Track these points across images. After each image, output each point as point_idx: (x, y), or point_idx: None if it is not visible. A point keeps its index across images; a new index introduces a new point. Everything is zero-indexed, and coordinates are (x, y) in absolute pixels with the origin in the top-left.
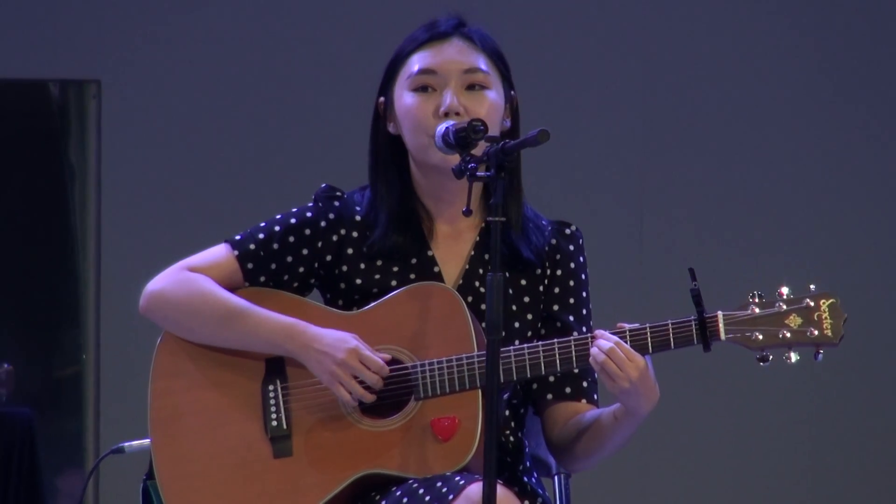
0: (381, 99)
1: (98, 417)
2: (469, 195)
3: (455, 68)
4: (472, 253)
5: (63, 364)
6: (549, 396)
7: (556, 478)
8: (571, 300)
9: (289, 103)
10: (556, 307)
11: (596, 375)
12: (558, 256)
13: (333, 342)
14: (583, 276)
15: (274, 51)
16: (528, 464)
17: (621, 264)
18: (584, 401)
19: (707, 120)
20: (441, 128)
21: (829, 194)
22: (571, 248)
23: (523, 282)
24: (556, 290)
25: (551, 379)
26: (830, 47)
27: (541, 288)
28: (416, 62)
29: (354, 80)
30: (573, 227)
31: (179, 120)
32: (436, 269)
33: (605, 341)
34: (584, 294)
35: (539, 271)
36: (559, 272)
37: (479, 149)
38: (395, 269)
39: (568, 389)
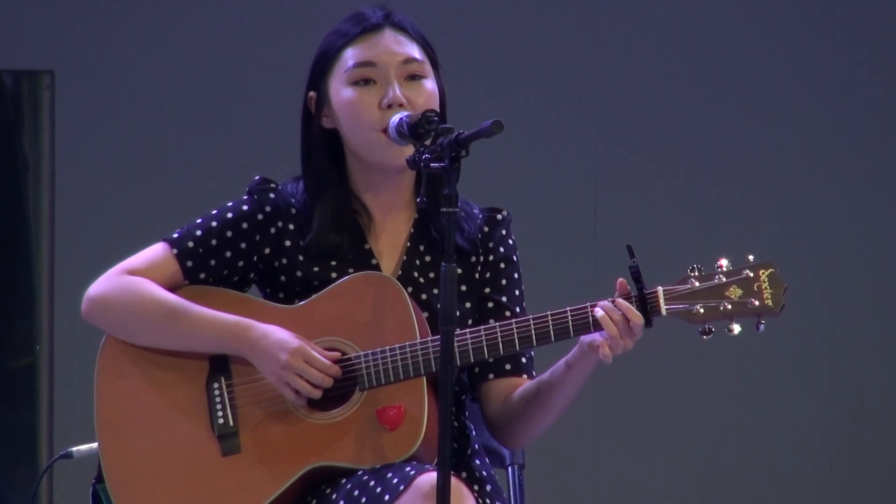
0: (312, 94)
1: (52, 409)
2: (422, 186)
3: (393, 59)
4: (409, 244)
5: (16, 355)
6: (491, 376)
7: (509, 469)
8: (503, 281)
9: (244, 96)
10: (487, 289)
11: (532, 352)
12: (491, 244)
13: (277, 343)
14: (514, 258)
15: (229, 43)
16: (476, 446)
17: (576, 246)
18: (524, 376)
19: (661, 99)
20: (395, 119)
21: (781, 172)
22: (503, 232)
23: (459, 270)
24: (488, 274)
25: (490, 360)
26: (784, 25)
27: (476, 276)
28: (351, 56)
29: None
30: (504, 213)
31: (133, 111)
32: (373, 261)
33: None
34: (517, 275)
35: (473, 259)
36: (491, 258)
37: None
38: (334, 263)
39: (508, 366)
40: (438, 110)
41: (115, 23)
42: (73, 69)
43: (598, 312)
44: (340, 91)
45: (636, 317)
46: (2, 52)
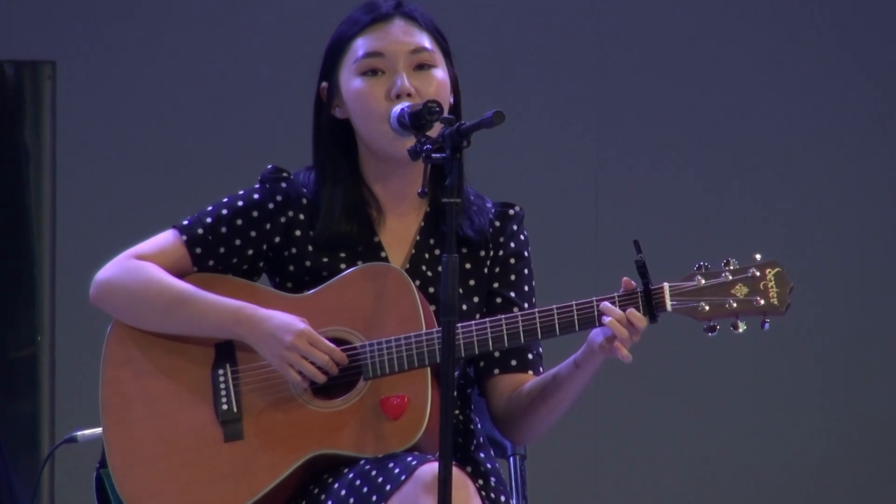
0: (324, 84)
1: (53, 399)
2: (424, 177)
3: (402, 49)
4: (418, 238)
5: (18, 346)
6: (496, 371)
7: (510, 459)
8: (512, 277)
9: (246, 85)
10: (496, 284)
11: (540, 349)
12: (501, 239)
13: (282, 325)
14: (525, 254)
15: (232, 33)
16: (481, 439)
17: (577, 240)
18: (530, 372)
19: (663, 95)
20: (396, 109)
21: (785, 169)
22: (515, 227)
23: (468, 265)
24: (497, 269)
25: (496, 354)
26: (786, 25)
27: (485, 270)
28: (361, 46)
29: (313, 63)
30: (517, 208)
31: (135, 101)
32: (382, 254)
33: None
34: (527, 271)
35: (483, 253)
36: (501, 252)
37: (434, 130)
38: (343, 254)
39: (514, 362)
40: (451, 100)
41: (117, 12)
42: (75, 59)
43: (606, 319)
44: (350, 82)
45: (639, 319)
46: (3, 42)
